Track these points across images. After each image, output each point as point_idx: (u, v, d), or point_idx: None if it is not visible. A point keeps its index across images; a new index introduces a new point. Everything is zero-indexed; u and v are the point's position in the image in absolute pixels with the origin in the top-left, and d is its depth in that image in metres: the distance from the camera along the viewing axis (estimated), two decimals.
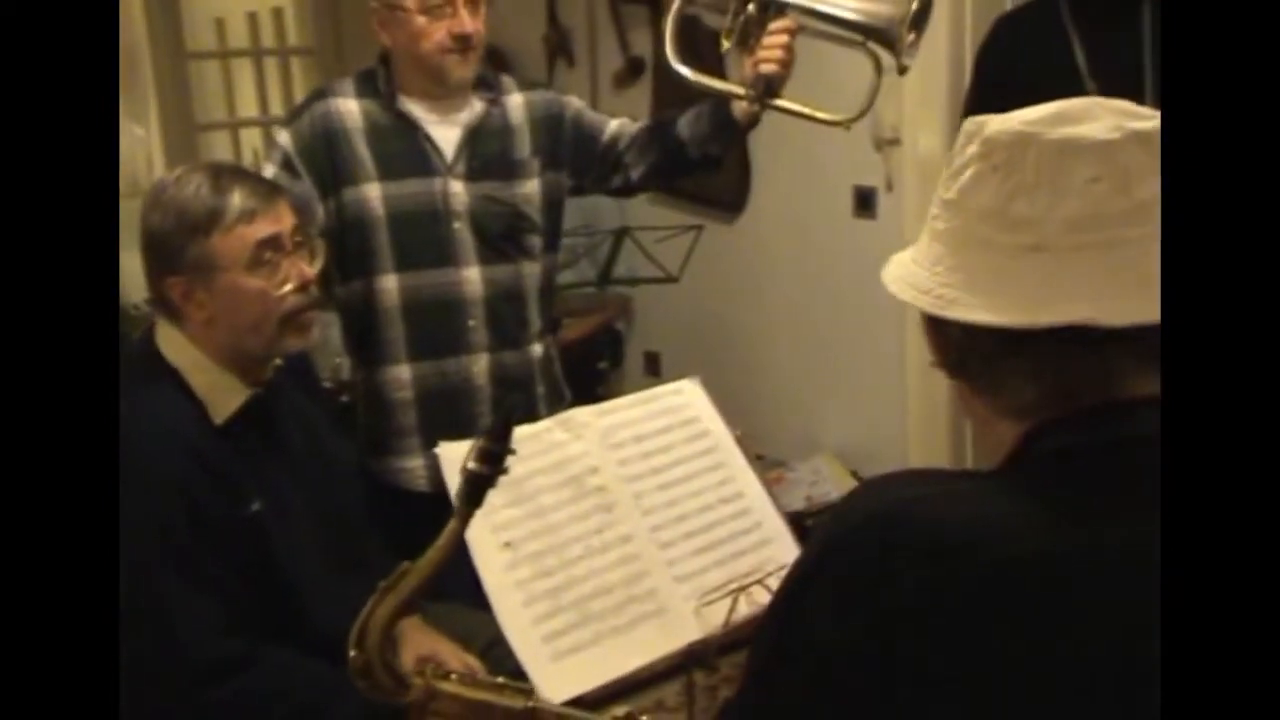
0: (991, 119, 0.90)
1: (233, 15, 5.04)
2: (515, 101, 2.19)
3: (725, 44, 1.93)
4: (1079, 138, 0.85)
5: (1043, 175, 0.85)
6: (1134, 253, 0.84)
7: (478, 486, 1.19)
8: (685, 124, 2.11)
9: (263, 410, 1.66)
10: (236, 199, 1.58)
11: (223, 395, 1.62)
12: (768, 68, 1.88)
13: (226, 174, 1.62)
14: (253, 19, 4.96)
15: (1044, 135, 0.85)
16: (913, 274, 0.92)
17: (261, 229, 1.60)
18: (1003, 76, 2.63)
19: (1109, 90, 2.60)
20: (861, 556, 0.86)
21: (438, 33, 2.03)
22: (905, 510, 0.87)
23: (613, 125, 2.23)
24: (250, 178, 1.67)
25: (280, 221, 1.62)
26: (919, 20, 1.81)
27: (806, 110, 1.94)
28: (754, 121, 2.02)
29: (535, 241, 2.19)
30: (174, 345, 1.63)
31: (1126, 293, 0.83)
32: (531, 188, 2.17)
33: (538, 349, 2.23)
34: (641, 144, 2.19)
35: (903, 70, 1.84)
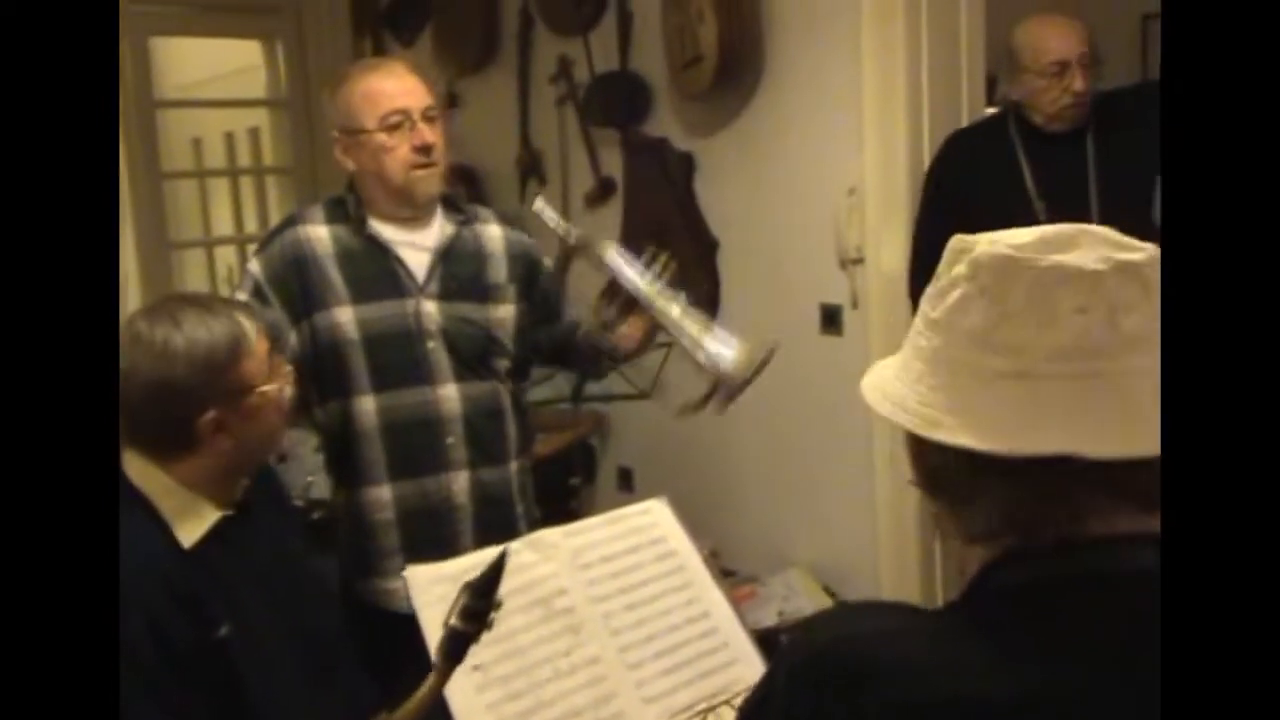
0: (980, 239, 0.89)
1: (210, 135, 5.14)
2: (493, 231, 2.25)
3: (595, 315, 2.13)
4: (1068, 266, 0.84)
5: (1031, 302, 0.84)
6: (1115, 385, 0.82)
7: (460, 643, 1.16)
8: (582, 338, 2.30)
9: (232, 531, 1.66)
10: (243, 319, 1.64)
11: (191, 520, 1.61)
12: (626, 345, 2.13)
13: (212, 303, 1.66)
14: (229, 139, 5.05)
15: (1034, 262, 0.85)
16: (895, 390, 0.91)
17: (263, 340, 1.66)
18: (954, 191, 2.71)
19: (1055, 209, 2.69)
20: (799, 693, 0.88)
21: (400, 148, 2.09)
22: (838, 648, 0.88)
23: (569, 315, 2.35)
24: (228, 300, 1.73)
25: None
26: (757, 374, 1.96)
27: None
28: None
29: (505, 365, 2.22)
30: (140, 471, 1.62)
31: (1105, 426, 0.82)
32: (505, 312, 2.21)
33: (515, 466, 2.24)
34: (567, 343, 2.35)
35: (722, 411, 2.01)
